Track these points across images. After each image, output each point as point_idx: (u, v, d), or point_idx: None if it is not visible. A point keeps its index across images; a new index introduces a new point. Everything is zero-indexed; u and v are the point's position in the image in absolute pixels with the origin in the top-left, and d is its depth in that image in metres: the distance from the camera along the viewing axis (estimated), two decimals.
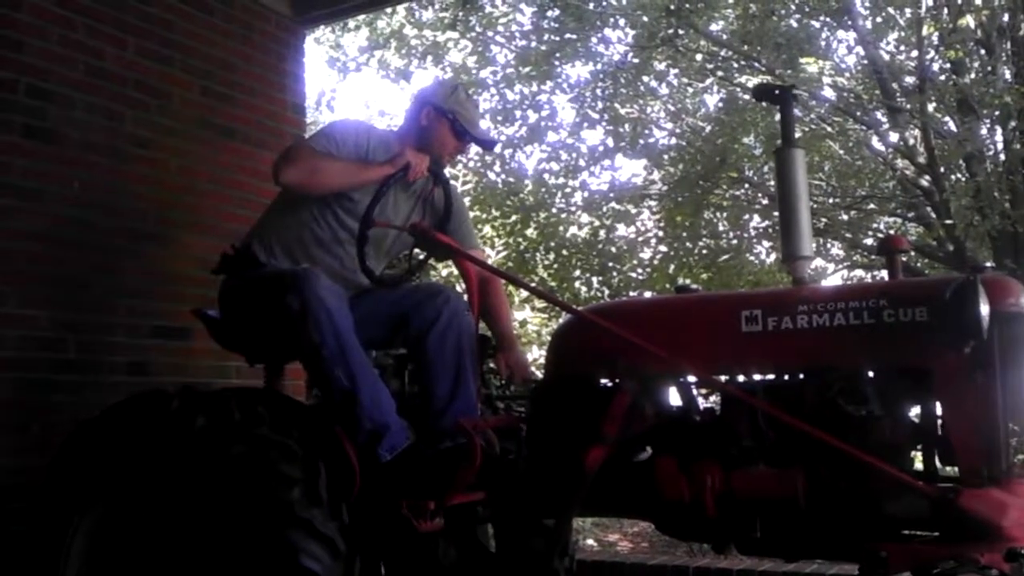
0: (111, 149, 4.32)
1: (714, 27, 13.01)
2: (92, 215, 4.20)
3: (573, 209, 14.31)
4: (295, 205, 3.42)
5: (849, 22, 11.43)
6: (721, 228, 13.35)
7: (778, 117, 3.15)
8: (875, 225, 12.32)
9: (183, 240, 4.55)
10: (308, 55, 5.39)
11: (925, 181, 10.94)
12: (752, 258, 13.03)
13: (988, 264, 3.66)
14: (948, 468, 2.70)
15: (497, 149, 14.25)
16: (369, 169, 3.36)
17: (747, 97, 11.15)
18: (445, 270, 8.71)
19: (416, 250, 3.41)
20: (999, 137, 10.69)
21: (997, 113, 10.23)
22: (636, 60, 12.75)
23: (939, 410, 2.63)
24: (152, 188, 4.48)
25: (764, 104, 9.86)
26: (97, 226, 4.22)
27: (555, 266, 14.14)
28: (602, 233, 14.08)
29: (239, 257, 3.40)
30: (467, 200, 11.90)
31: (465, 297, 3.37)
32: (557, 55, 13.17)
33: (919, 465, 2.76)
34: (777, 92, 3.09)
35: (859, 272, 12.84)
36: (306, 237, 3.40)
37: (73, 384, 4.03)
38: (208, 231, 4.48)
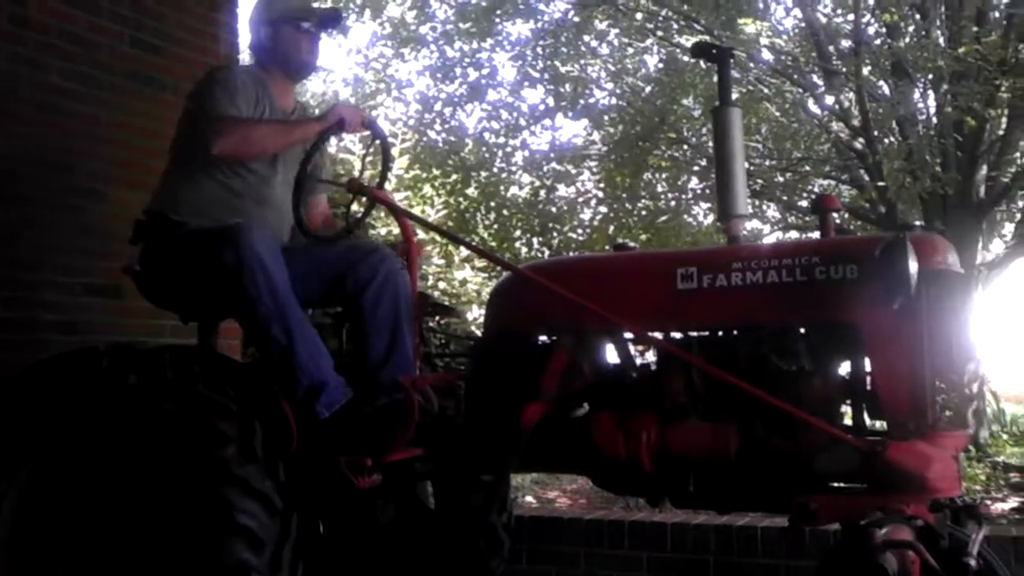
0: (37, 101, 4.18)
1: None
2: (19, 169, 4.08)
3: (514, 169, 14.29)
4: (203, 164, 3.28)
5: None
6: (660, 189, 13.43)
7: (716, 78, 3.17)
8: (810, 187, 12.47)
9: (115, 195, 4.43)
10: (242, 5, 5.26)
11: (859, 144, 11.07)
12: (690, 219, 13.14)
13: (917, 223, 3.74)
14: (876, 422, 2.76)
15: (437, 107, 14.14)
16: (300, 127, 3.31)
17: (687, 58, 11.17)
18: (384, 228, 8.62)
19: (354, 207, 3.37)
20: (932, 101, 10.85)
21: (930, 77, 10.37)
22: (577, 19, 12.70)
23: (868, 366, 2.68)
24: (81, 142, 4.36)
25: (703, 65, 9.97)
26: (25, 180, 4.10)
27: (495, 226, 14.14)
28: (542, 193, 14.11)
29: (154, 223, 3.30)
30: (406, 158, 11.81)
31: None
32: (498, 12, 13.06)
33: (848, 420, 2.82)
34: (715, 51, 3.10)
35: (794, 234, 13.01)
36: (222, 196, 3.30)
37: None
38: (140, 186, 4.30)
